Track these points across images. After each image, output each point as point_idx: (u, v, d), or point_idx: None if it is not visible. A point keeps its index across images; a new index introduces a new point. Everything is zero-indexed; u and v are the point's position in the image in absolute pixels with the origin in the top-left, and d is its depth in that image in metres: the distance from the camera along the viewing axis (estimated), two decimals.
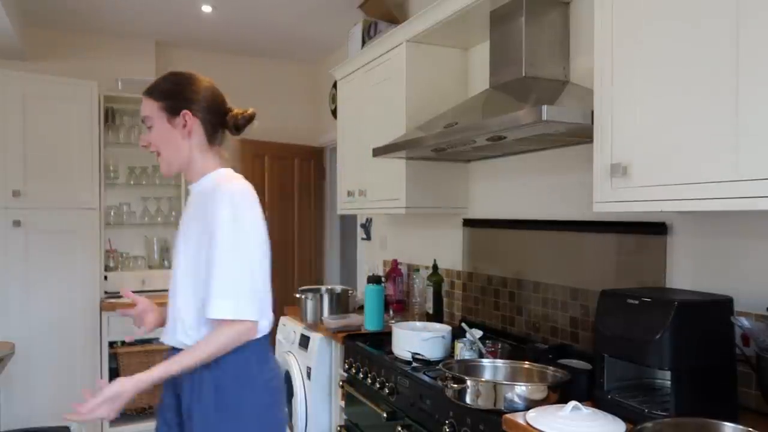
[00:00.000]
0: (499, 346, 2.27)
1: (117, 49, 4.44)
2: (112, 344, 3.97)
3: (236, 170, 1.72)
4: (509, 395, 1.66)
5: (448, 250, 3.10)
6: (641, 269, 1.99)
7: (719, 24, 1.37)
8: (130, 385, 1.45)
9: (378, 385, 2.34)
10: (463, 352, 2.19)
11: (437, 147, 2.35)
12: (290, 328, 3.25)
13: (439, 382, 1.93)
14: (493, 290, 2.73)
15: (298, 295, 3.23)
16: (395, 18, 3.39)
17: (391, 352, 2.40)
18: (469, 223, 2.91)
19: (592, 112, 1.73)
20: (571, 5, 2.28)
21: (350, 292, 3.33)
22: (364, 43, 3.38)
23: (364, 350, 2.55)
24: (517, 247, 2.58)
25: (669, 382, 1.49)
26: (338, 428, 2.76)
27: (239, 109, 1.70)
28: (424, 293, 3.05)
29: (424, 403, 2.03)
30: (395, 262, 3.43)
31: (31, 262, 3.78)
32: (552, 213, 2.41)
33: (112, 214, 4.28)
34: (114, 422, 3.96)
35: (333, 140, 4.49)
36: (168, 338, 1.64)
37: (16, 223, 3.74)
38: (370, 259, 4.03)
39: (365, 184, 3.19)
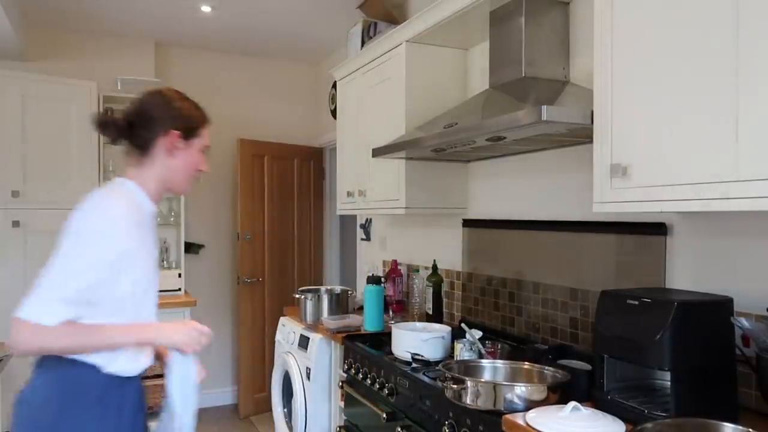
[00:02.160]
0: (499, 347, 2.27)
1: (116, 50, 4.43)
2: None
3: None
4: (509, 396, 1.66)
5: (447, 250, 3.10)
6: (641, 269, 1.98)
7: (719, 24, 1.37)
8: None
9: (378, 386, 2.34)
10: (462, 352, 2.19)
11: (437, 147, 2.35)
12: (290, 329, 3.25)
13: (439, 383, 1.93)
14: (493, 290, 2.72)
15: (297, 296, 3.23)
16: (395, 18, 3.39)
17: (390, 353, 2.40)
18: (468, 223, 2.91)
19: (592, 112, 1.73)
20: (571, 5, 2.28)
21: (350, 292, 3.33)
22: (363, 43, 3.38)
23: (364, 351, 2.54)
24: (516, 247, 2.57)
25: (669, 383, 1.48)
26: (338, 429, 2.76)
27: None
28: (424, 294, 3.05)
29: (423, 404, 2.03)
30: (395, 263, 3.43)
31: (30, 263, 3.77)
32: (552, 213, 2.41)
33: None
34: None
35: (332, 140, 4.49)
36: None
37: (15, 224, 3.74)
38: (370, 260, 4.03)
39: (365, 184, 3.19)
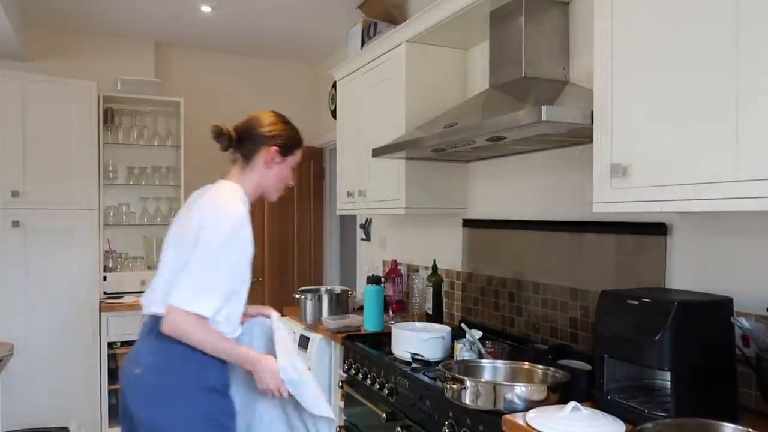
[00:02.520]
0: (499, 347, 2.27)
1: (116, 50, 4.43)
2: (111, 345, 3.97)
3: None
4: (509, 396, 1.66)
5: (447, 250, 3.10)
6: (641, 269, 1.98)
7: (719, 24, 1.37)
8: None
9: (377, 386, 2.34)
10: (462, 352, 2.19)
11: (437, 147, 2.35)
12: (290, 329, 3.25)
13: (439, 383, 1.93)
14: (493, 291, 2.72)
15: (297, 296, 3.23)
16: (395, 18, 3.38)
17: (390, 353, 2.40)
18: (468, 223, 2.91)
19: (592, 112, 1.73)
20: (571, 5, 2.28)
21: (350, 292, 3.33)
22: (363, 43, 3.38)
23: (364, 351, 2.54)
24: (516, 247, 2.57)
25: (669, 383, 1.48)
26: (338, 429, 2.75)
27: None
28: (424, 294, 3.05)
29: (423, 404, 2.03)
30: (395, 263, 3.43)
31: (30, 263, 3.78)
32: (552, 213, 2.41)
33: (111, 214, 4.27)
34: (112, 424, 3.96)
35: (332, 140, 4.49)
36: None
37: (15, 224, 3.74)
38: (370, 260, 4.03)
39: (365, 184, 3.19)
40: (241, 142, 1.89)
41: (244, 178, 1.90)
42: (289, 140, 1.92)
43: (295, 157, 1.97)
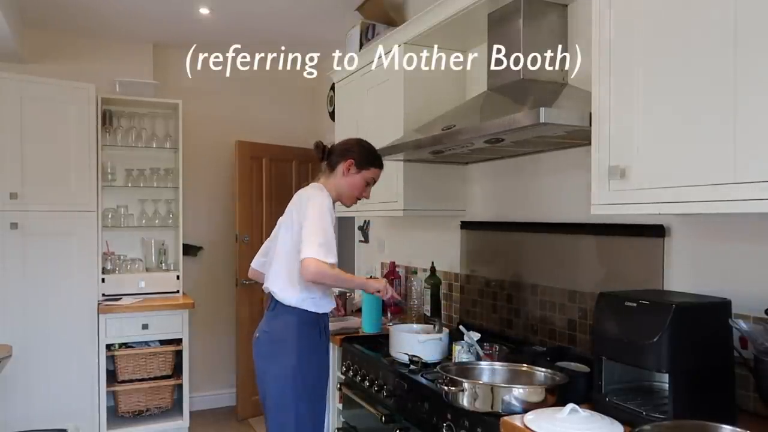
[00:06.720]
0: (497, 349, 2.27)
1: (115, 52, 4.43)
2: (109, 347, 3.96)
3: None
4: (507, 398, 1.66)
5: (446, 252, 3.10)
6: (639, 272, 1.98)
7: (717, 27, 1.37)
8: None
9: (375, 388, 2.34)
10: (460, 354, 2.18)
11: (435, 149, 2.35)
12: None
13: (437, 385, 1.93)
14: (491, 292, 2.72)
15: None
16: (393, 20, 3.39)
17: (388, 355, 2.40)
18: (467, 225, 2.91)
19: (590, 114, 1.73)
20: (570, 7, 2.29)
21: (348, 294, 3.33)
22: (362, 45, 3.38)
23: (362, 353, 2.54)
24: (515, 249, 2.57)
25: (667, 385, 1.48)
26: (336, 431, 2.75)
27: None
28: (422, 295, 3.04)
29: (421, 406, 2.03)
30: (393, 265, 3.42)
31: (28, 265, 3.77)
32: (550, 215, 2.41)
33: (109, 216, 4.27)
34: (111, 426, 3.95)
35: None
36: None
37: (14, 226, 3.73)
38: (368, 262, 4.03)
39: None
40: (330, 155, 2.38)
41: (328, 182, 2.36)
42: (363, 156, 2.35)
43: (370, 173, 2.36)
